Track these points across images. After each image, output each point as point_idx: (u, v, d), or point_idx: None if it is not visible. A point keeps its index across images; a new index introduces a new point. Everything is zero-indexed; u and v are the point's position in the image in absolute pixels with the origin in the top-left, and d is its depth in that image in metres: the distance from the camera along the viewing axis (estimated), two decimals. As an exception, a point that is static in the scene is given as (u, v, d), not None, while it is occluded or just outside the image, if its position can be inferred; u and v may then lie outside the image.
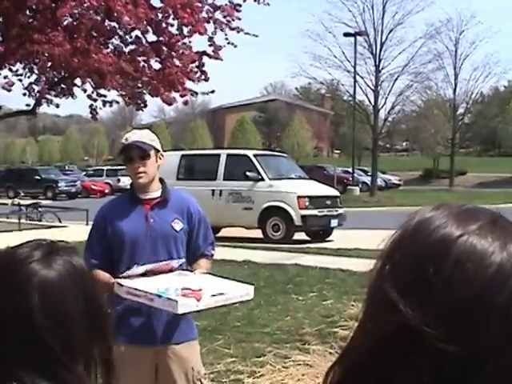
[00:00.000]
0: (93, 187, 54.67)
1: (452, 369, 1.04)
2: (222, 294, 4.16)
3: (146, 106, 14.84)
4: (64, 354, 1.35)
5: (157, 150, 4.62)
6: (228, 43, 14.00)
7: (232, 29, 13.83)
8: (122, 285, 4.21)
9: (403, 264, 1.09)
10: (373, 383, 1.09)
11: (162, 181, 4.72)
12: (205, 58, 14.00)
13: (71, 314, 1.37)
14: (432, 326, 1.03)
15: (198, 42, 14.16)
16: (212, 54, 13.92)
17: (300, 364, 7.60)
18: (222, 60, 14.07)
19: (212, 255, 4.86)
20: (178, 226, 4.61)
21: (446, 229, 1.08)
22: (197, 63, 13.90)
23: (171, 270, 4.48)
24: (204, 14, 13.63)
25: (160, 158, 4.66)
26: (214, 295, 4.11)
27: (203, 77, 14.03)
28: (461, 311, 1.03)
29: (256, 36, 14.48)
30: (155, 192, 4.64)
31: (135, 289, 4.16)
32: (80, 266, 1.45)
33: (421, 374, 1.04)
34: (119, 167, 55.12)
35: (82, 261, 1.49)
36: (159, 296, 4.04)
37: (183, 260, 4.61)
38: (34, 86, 15.12)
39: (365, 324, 1.13)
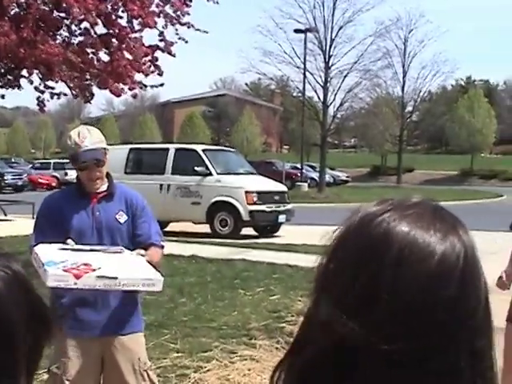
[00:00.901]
0: (40, 180, 54.18)
1: (395, 367, 1.03)
2: (114, 278, 4.00)
3: (92, 97, 14.70)
4: (5, 363, 1.31)
5: (105, 149, 4.59)
6: (179, 38, 13.95)
7: (182, 24, 13.78)
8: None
9: (347, 259, 1.09)
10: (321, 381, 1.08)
11: (108, 175, 4.70)
12: (158, 53, 13.93)
13: (12, 322, 1.33)
14: (374, 325, 1.03)
15: (151, 38, 14.09)
16: (164, 49, 13.85)
17: (246, 359, 7.62)
18: (174, 56, 14.01)
19: (162, 246, 4.80)
20: (123, 218, 4.61)
21: (388, 223, 1.08)
22: (150, 57, 13.81)
23: None
24: (154, 8, 13.55)
25: (107, 154, 4.62)
26: (100, 277, 3.96)
27: (157, 71, 13.96)
28: (404, 307, 1.03)
29: (206, 32, 14.47)
30: (102, 186, 4.62)
31: (36, 254, 4.11)
32: (19, 271, 1.41)
33: (367, 374, 1.04)
34: (66, 160, 54.60)
35: (21, 267, 1.44)
36: (43, 265, 3.95)
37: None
38: (-21, 77, 14.92)
39: (309, 319, 1.12)
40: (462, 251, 1.07)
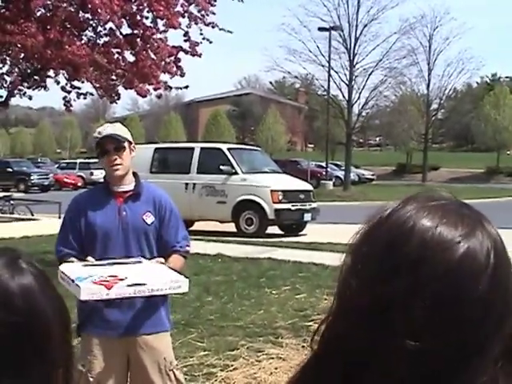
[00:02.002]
0: (65, 180, 54.50)
1: (418, 364, 1.02)
2: (143, 284, 4.07)
3: (119, 98, 14.75)
4: (43, 360, 1.34)
5: (130, 142, 4.65)
6: (203, 39, 13.95)
7: (207, 24, 13.78)
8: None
9: (372, 255, 1.09)
10: (341, 377, 1.09)
11: (135, 174, 4.76)
12: (181, 54, 13.93)
13: (48, 317, 1.35)
14: (399, 320, 1.02)
15: (176, 38, 14.10)
16: (189, 50, 13.85)
17: (273, 357, 7.62)
18: (200, 57, 14.01)
19: (187, 251, 4.83)
20: (150, 219, 4.63)
21: (414, 219, 1.08)
22: (173, 58, 13.82)
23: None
24: (179, 8, 13.57)
25: (133, 150, 4.68)
26: (130, 285, 4.03)
27: (179, 72, 13.97)
28: (427, 304, 1.02)
29: (230, 32, 14.46)
30: (128, 185, 4.66)
31: (63, 273, 4.15)
32: (42, 269, 1.44)
33: (388, 370, 1.04)
34: (92, 160, 55.06)
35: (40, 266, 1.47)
36: (73, 281, 4.01)
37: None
38: (6, 78, 15.02)
39: (334, 318, 1.13)
40: (492, 248, 1.06)
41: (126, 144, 4.61)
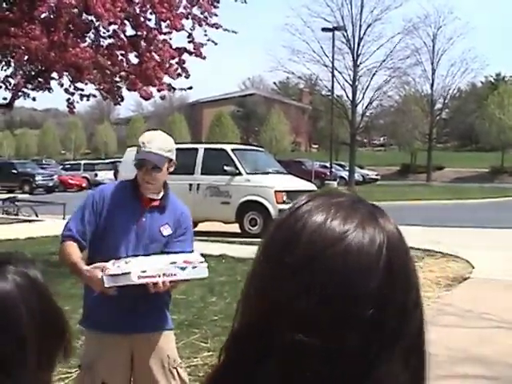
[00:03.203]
0: (70, 181, 54.54)
1: (306, 362, 1.03)
2: (174, 262, 4.26)
3: (122, 100, 14.76)
4: (14, 369, 1.35)
5: (170, 160, 4.60)
6: (208, 40, 13.95)
7: (210, 25, 13.79)
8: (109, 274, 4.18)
9: (271, 254, 1.11)
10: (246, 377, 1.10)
11: (165, 185, 4.70)
12: (185, 55, 13.93)
13: (23, 327, 1.36)
14: (295, 319, 1.03)
15: (180, 39, 14.10)
16: (193, 51, 13.85)
17: (276, 358, 7.62)
18: (204, 58, 14.02)
19: None
20: (167, 231, 4.59)
21: (307, 218, 1.09)
22: (177, 59, 13.83)
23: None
24: (182, 10, 13.58)
25: (171, 166, 4.63)
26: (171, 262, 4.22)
27: (184, 74, 13.98)
28: (320, 301, 1.02)
29: (235, 33, 14.46)
30: (157, 194, 4.62)
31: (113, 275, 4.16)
32: (35, 278, 1.44)
33: (292, 368, 1.04)
34: (97, 161, 55.27)
35: (39, 273, 1.47)
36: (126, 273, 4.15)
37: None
38: (10, 80, 15.03)
39: (238, 324, 1.15)
40: (385, 241, 1.05)
41: (164, 166, 4.53)
